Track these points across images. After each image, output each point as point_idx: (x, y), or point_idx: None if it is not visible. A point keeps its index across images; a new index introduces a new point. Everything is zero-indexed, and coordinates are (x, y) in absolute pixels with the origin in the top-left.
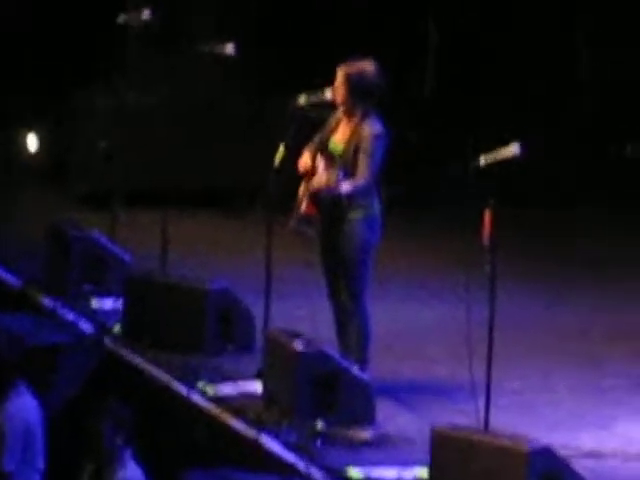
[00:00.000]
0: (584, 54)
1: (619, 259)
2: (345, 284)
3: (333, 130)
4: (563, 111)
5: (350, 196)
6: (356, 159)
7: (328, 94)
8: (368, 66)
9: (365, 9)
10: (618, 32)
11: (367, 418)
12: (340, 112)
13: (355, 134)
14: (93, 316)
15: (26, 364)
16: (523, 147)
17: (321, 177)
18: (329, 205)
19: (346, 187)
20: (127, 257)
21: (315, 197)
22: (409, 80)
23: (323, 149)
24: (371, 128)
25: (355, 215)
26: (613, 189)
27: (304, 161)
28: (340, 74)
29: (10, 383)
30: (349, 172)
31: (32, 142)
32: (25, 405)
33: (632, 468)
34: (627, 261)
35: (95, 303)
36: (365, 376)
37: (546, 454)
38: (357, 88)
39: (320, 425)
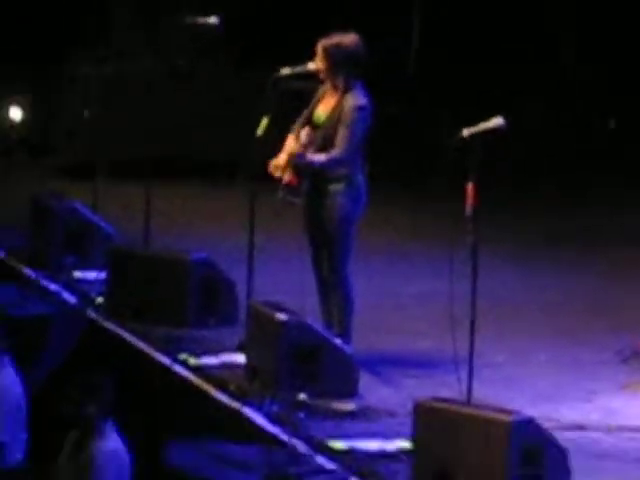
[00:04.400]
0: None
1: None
2: (327, 256)
3: (319, 101)
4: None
5: (325, 167)
6: (337, 130)
7: (311, 65)
8: (347, 38)
9: None
10: None
11: (350, 390)
12: (328, 84)
13: (338, 106)
14: (76, 287)
15: (12, 335)
16: (507, 119)
17: (294, 145)
18: (310, 176)
19: (319, 158)
20: (110, 229)
21: (297, 167)
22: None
23: (308, 121)
24: (354, 100)
25: (337, 187)
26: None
27: (276, 162)
28: (319, 47)
29: None
30: (329, 143)
31: (16, 112)
32: (13, 377)
33: (613, 440)
34: (614, 232)
35: (78, 275)
36: (348, 348)
37: (529, 426)
38: (336, 60)
39: (303, 397)
